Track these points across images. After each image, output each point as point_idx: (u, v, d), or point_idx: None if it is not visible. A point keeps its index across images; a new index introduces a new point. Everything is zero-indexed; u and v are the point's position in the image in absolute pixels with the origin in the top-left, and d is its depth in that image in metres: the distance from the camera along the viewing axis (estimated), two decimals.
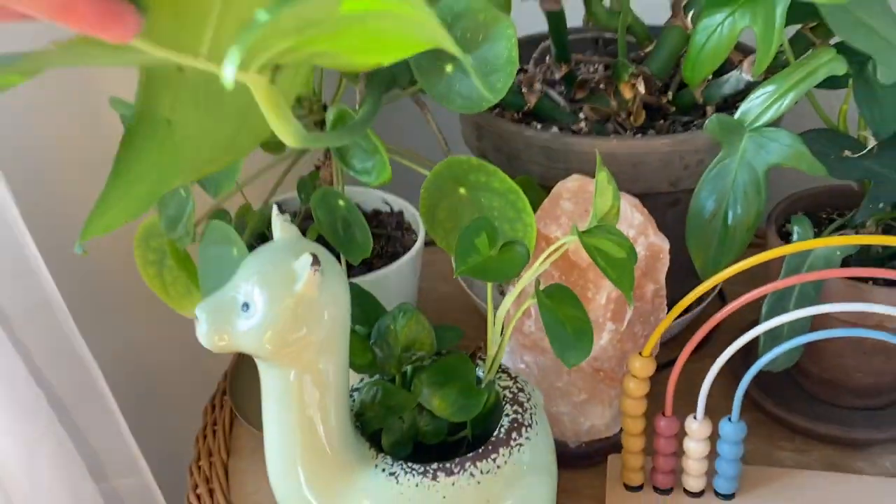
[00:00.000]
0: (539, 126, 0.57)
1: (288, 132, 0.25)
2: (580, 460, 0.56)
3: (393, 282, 0.54)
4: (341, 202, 0.47)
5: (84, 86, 0.59)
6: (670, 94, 0.60)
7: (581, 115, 0.60)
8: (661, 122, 0.60)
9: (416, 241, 0.57)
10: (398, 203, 0.62)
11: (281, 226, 0.38)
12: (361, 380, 0.46)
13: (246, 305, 0.36)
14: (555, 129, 0.57)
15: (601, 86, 0.62)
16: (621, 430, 0.53)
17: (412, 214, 0.61)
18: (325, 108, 0.53)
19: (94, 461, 0.61)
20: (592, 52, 0.69)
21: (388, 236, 0.59)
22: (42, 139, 0.59)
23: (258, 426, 0.59)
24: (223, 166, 0.33)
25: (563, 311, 0.42)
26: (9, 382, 0.53)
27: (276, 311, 0.36)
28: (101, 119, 0.59)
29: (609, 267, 0.42)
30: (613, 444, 0.55)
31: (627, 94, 0.58)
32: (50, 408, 0.56)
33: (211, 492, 0.56)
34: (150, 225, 0.51)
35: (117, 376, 0.61)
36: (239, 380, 0.63)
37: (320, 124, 0.53)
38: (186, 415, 0.67)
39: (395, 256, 0.56)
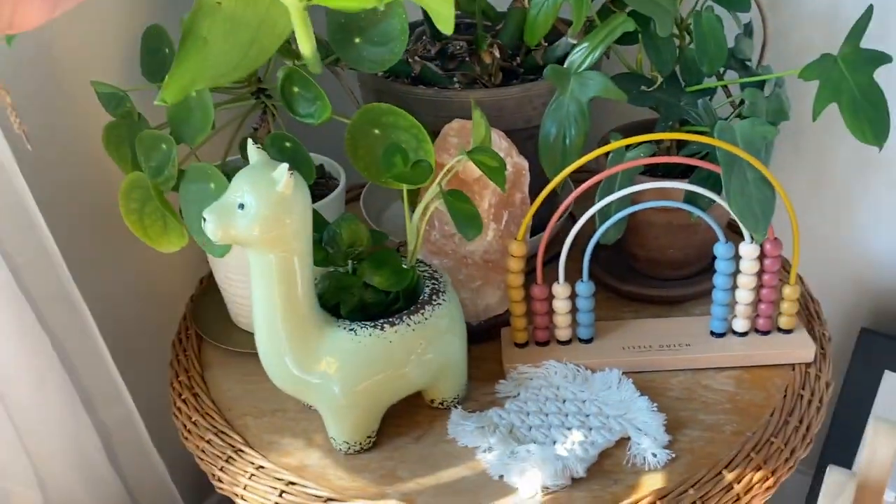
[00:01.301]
0: (424, 88, 0.75)
1: (308, 43, 0.42)
2: (482, 335, 0.73)
3: (325, 213, 0.70)
4: (288, 143, 0.62)
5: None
6: (519, 59, 0.79)
7: (455, 80, 0.78)
8: (515, 81, 0.79)
9: (338, 184, 0.73)
10: (320, 159, 0.78)
11: (255, 151, 0.54)
12: (318, 277, 0.62)
13: (241, 205, 0.52)
14: (436, 88, 0.75)
15: (467, 57, 0.81)
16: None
17: (332, 165, 0.77)
18: (259, 80, 0.68)
19: (85, 395, 0.73)
20: (458, 33, 0.87)
21: (315, 183, 0.75)
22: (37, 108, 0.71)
23: (222, 341, 0.73)
24: (229, 82, 0.49)
25: (459, 204, 0.60)
26: (20, 325, 0.64)
27: (264, 207, 0.51)
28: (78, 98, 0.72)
29: (488, 172, 0.60)
30: (505, 321, 0.74)
31: (487, 59, 0.76)
32: (53, 349, 0.68)
33: (195, 395, 0.69)
34: (131, 180, 0.64)
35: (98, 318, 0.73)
36: (200, 310, 0.77)
37: (255, 93, 0.69)
38: (156, 351, 0.80)
39: (323, 197, 0.71)
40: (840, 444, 0.93)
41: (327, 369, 0.58)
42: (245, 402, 0.68)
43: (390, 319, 0.58)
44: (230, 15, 0.46)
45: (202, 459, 0.64)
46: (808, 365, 0.68)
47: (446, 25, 0.41)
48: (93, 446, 0.75)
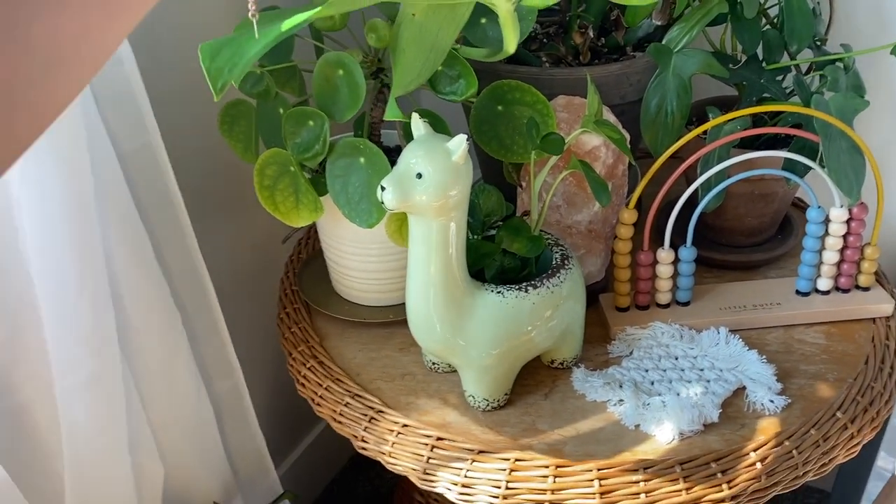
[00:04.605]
0: (528, 67, 0.79)
1: (513, 39, 0.45)
2: None
3: None
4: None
5: None
6: (602, 39, 0.84)
7: (543, 59, 0.82)
8: (598, 61, 0.83)
9: None
10: None
11: (421, 125, 0.57)
12: None
13: (420, 175, 0.55)
14: (539, 67, 0.79)
15: (546, 40, 0.85)
16: (605, 276, 0.77)
17: None
18: (379, 59, 0.71)
19: (204, 367, 0.75)
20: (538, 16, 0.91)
21: None
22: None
23: (337, 312, 0.76)
24: (412, 89, 0.52)
25: (592, 173, 0.64)
26: (159, 298, 0.66)
27: (442, 175, 0.55)
28: None
29: (615, 142, 0.65)
30: (602, 287, 0.78)
31: (578, 39, 0.80)
32: (183, 323, 0.70)
33: (321, 363, 0.72)
34: (265, 157, 0.66)
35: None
36: (303, 284, 0.79)
37: (374, 73, 0.71)
38: (254, 321, 0.82)
39: None
40: None
41: (476, 330, 0.61)
42: (372, 369, 0.71)
43: (532, 283, 0.62)
44: (419, 23, 0.50)
45: (340, 423, 0.67)
46: (887, 318, 0.74)
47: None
48: (208, 417, 0.77)
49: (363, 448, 0.66)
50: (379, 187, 0.55)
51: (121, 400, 0.64)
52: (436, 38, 0.50)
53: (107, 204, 0.59)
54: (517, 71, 0.76)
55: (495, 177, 0.77)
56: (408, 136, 0.62)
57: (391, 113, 0.52)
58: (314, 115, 0.63)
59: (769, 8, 0.79)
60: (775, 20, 0.78)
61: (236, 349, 0.80)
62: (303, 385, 0.72)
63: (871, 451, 1.06)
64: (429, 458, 0.62)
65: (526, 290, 0.62)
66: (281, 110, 0.66)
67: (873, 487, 1.10)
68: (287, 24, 0.43)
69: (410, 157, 0.55)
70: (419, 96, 1.02)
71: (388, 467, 0.64)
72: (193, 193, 0.76)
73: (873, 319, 0.74)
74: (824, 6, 0.82)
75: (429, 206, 0.56)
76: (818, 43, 0.80)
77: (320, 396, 0.70)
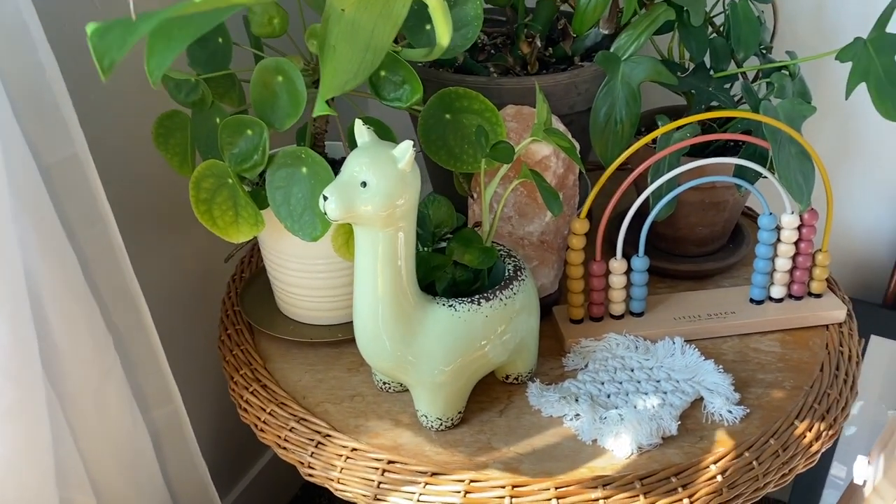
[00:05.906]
0: (475, 76, 0.77)
1: (446, 32, 0.43)
2: None
3: None
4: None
5: None
6: (550, 49, 0.82)
7: (491, 69, 0.80)
8: (545, 70, 0.82)
9: None
10: None
11: (365, 132, 0.55)
12: None
13: (364, 183, 0.52)
14: (486, 76, 0.77)
15: (493, 50, 0.83)
16: (558, 289, 0.75)
17: None
18: None
19: (140, 393, 0.71)
20: (487, 27, 0.89)
21: None
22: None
23: (282, 333, 0.72)
24: (351, 89, 0.49)
25: (544, 183, 0.62)
26: (88, 321, 0.62)
27: (387, 184, 0.52)
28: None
29: (565, 151, 0.63)
30: (555, 300, 0.76)
31: (526, 49, 0.79)
32: (116, 347, 0.65)
33: (264, 387, 0.68)
34: (201, 169, 0.63)
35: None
36: (245, 304, 0.76)
37: (315, 81, 0.69)
38: (195, 346, 0.78)
39: None
40: None
41: (427, 346, 0.59)
42: (319, 391, 0.68)
43: (485, 295, 0.60)
44: (350, 19, 0.47)
45: (285, 450, 0.64)
46: (840, 324, 0.74)
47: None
48: (145, 445, 0.72)
49: (310, 475, 0.62)
50: (321, 197, 0.52)
51: (45, 430, 0.59)
52: (371, 36, 0.48)
53: (28, 220, 0.55)
54: (465, 81, 0.74)
55: (446, 188, 0.75)
56: (353, 146, 0.60)
57: (320, 108, 0.49)
58: (252, 123, 0.60)
59: (715, 16, 0.79)
60: (721, 28, 0.79)
61: (175, 373, 0.76)
62: (245, 410, 0.68)
63: (825, 460, 1.06)
64: (379, 482, 0.59)
65: (479, 303, 0.60)
66: (217, 119, 0.63)
67: (828, 496, 1.10)
68: (188, 7, 0.40)
69: (354, 165, 0.53)
70: (366, 105, 1.00)
71: (337, 494, 0.61)
72: (126, 208, 0.72)
73: (826, 326, 0.74)
74: (768, 14, 0.83)
75: (375, 217, 0.53)
76: (764, 51, 0.80)
77: (264, 422, 0.66)
